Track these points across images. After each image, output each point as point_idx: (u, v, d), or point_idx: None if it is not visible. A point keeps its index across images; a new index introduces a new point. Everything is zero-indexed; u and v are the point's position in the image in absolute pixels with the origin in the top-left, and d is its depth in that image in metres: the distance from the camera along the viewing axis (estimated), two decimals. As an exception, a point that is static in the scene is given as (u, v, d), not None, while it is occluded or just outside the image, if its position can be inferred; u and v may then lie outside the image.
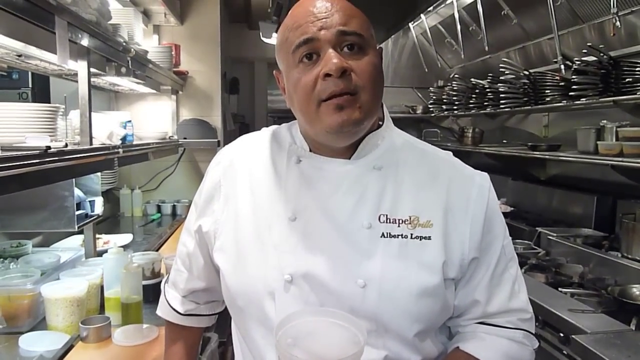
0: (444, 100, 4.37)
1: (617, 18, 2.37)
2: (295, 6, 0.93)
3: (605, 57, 2.44)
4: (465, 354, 0.97)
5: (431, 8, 3.89)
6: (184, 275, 1.15)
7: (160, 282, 1.27)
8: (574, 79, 2.59)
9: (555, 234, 2.73)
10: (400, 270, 0.90)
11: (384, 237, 0.91)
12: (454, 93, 4.15)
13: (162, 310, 1.21)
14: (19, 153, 1.26)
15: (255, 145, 1.06)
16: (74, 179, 1.96)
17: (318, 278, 0.91)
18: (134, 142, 2.54)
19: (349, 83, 0.86)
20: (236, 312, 1.02)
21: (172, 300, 1.18)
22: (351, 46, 0.88)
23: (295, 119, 1.00)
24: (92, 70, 1.86)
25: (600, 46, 2.48)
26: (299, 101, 0.91)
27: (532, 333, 1.01)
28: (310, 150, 0.99)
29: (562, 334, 1.81)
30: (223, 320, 1.17)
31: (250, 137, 1.11)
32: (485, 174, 1.01)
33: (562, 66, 2.78)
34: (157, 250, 2.74)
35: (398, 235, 0.92)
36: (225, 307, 1.10)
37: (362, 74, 0.87)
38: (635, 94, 2.27)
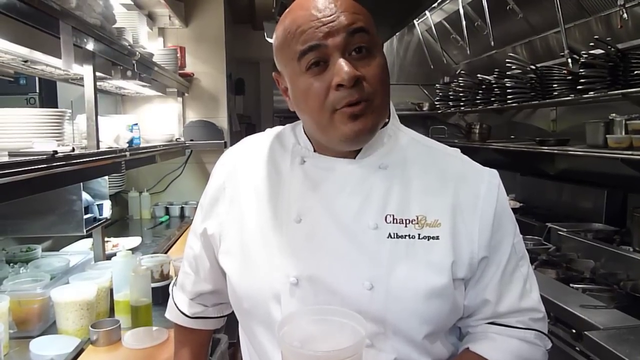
0: (451, 97, 4.35)
1: (624, 10, 2.34)
2: (295, 6, 0.90)
3: (612, 49, 2.41)
4: (475, 354, 0.95)
5: (436, 4, 3.88)
6: (191, 277, 1.15)
7: (169, 284, 1.27)
8: (581, 72, 2.56)
9: (565, 229, 2.71)
10: (408, 271, 0.89)
11: (391, 237, 0.90)
12: (461, 89, 4.14)
13: (170, 314, 1.21)
14: (26, 158, 1.26)
15: (258, 147, 1.05)
16: (81, 183, 1.96)
17: (324, 281, 0.90)
18: (141, 145, 2.55)
19: (362, 91, 0.84)
20: (242, 315, 1.02)
21: (180, 303, 1.18)
22: (359, 49, 0.86)
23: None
24: (98, 74, 1.86)
25: (608, 39, 2.46)
26: (310, 110, 0.89)
27: (544, 333, 0.99)
28: (315, 151, 0.98)
29: (574, 331, 1.79)
30: (233, 321, 1.16)
31: (253, 138, 1.10)
32: (495, 170, 0.99)
33: (569, 60, 2.75)
34: (165, 253, 2.75)
35: (405, 235, 0.90)
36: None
37: (372, 79, 0.86)
38: (644, 86, 2.24)
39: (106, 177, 2.38)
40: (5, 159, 1.25)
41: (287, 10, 0.91)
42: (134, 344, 1.61)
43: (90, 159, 1.68)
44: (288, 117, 1.03)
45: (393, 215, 0.91)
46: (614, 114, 2.40)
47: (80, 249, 2.46)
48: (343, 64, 0.83)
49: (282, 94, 0.97)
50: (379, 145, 0.96)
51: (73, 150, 1.53)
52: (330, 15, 0.85)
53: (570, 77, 2.73)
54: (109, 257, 2.17)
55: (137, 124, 2.48)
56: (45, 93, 3.03)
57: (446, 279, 0.90)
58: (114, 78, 2.14)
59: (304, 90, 0.88)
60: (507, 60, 3.29)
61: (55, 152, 1.37)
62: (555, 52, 3.15)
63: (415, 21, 4.54)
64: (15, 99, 2.94)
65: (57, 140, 1.61)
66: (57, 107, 2.77)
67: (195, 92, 4.04)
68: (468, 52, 4.01)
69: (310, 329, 0.82)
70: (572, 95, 2.70)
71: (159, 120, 3.90)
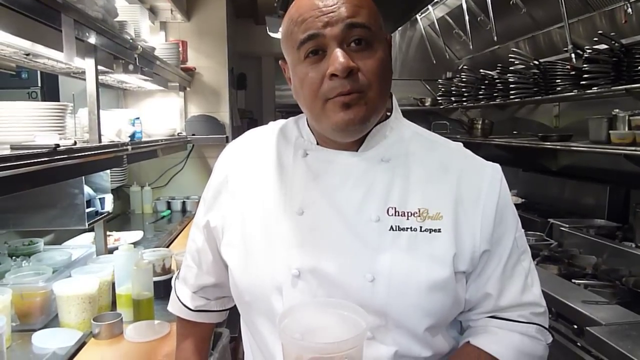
0: (453, 92, 4.34)
1: (628, 5, 2.34)
2: None
3: (616, 44, 2.40)
4: (476, 348, 0.95)
5: (439, -1, 3.87)
6: (193, 270, 1.15)
7: (171, 278, 1.27)
8: (585, 67, 2.56)
9: (567, 225, 2.71)
10: (410, 263, 0.89)
11: (393, 230, 0.90)
12: (463, 84, 4.13)
13: (172, 307, 1.21)
14: (28, 151, 1.26)
15: (262, 140, 1.06)
16: (83, 177, 1.96)
17: (326, 273, 0.90)
18: (143, 139, 2.55)
19: (356, 83, 0.85)
20: (244, 308, 1.02)
21: (183, 296, 1.18)
22: (358, 41, 0.86)
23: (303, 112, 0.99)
24: (100, 67, 1.86)
25: (612, 34, 2.45)
26: (305, 98, 0.90)
27: (545, 327, 0.99)
28: (318, 144, 0.98)
29: (576, 326, 1.79)
30: (234, 315, 1.17)
31: (257, 131, 1.10)
32: (497, 165, 0.99)
33: (573, 55, 2.75)
34: (167, 247, 2.75)
35: (407, 228, 0.90)
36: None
37: (369, 72, 0.86)
38: (648, 81, 2.24)
39: (108, 171, 2.38)
40: (7, 152, 1.25)
41: None
42: (136, 338, 1.61)
43: (92, 152, 1.67)
44: (290, 112, 1.03)
45: (395, 208, 0.91)
46: (617, 110, 2.39)
47: (82, 243, 2.47)
48: (338, 54, 0.84)
49: (288, 83, 0.98)
50: (381, 138, 0.96)
51: (75, 143, 1.53)
52: (332, 6, 0.85)
53: (573, 73, 2.72)
54: (110, 251, 2.17)
55: (138, 118, 2.48)
56: (47, 87, 3.03)
57: (448, 272, 0.90)
58: (116, 72, 2.13)
59: (301, 79, 0.89)
60: (510, 55, 3.28)
61: (57, 145, 1.37)
62: (559, 48, 3.14)
63: (417, 16, 4.53)
64: (17, 93, 2.95)
65: (59, 134, 1.61)
66: (58, 101, 2.77)
67: (197, 86, 4.04)
68: (471, 47, 3.99)
69: (311, 321, 0.82)
70: (575, 91, 2.69)
71: (160, 114, 3.90)
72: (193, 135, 3.84)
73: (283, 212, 0.95)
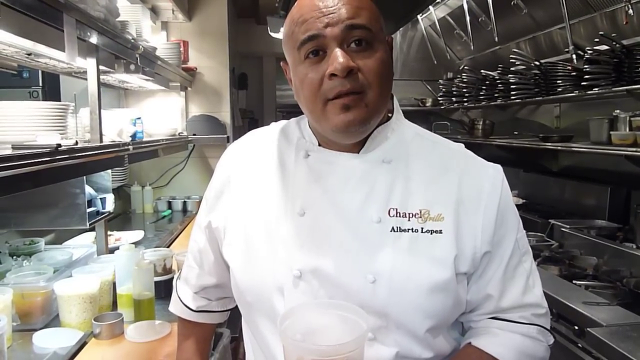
0: (454, 93, 4.34)
1: (629, 6, 2.33)
2: None
3: (617, 45, 2.40)
4: (477, 349, 0.95)
5: (440, -1, 3.87)
6: (195, 271, 1.15)
7: (172, 278, 1.27)
8: (586, 68, 2.56)
9: (568, 226, 2.70)
10: (411, 265, 0.89)
11: (394, 231, 0.90)
12: (464, 85, 4.12)
13: (174, 307, 1.21)
14: (30, 151, 1.26)
15: (264, 140, 1.06)
16: (84, 177, 1.96)
17: (327, 273, 0.90)
18: (144, 139, 2.55)
19: (356, 83, 0.85)
20: (245, 308, 1.02)
21: (184, 297, 1.18)
22: (359, 42, 0.86)
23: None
24: (101, 67, 1.86)
25: (613, 35, 2.45)
26: (305, 98, 0.90)
27: (546, 328, 0.99)
28: (319, 145, 0.98)
29: (577, 327, 1.79)
30: (235, 316, 1.17)
31: (259, 132, 1.10)
32: (498, 165, 0.99)
33: (574, 56, 2.74)
34: (168, 247, 2.75)
35: (408, 229, 0.90)
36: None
37: (369, 72, 0.85)
38: (649, 82, 2.23)
39: (109, 171, 2.39)
40: (9, 151, 1.25)
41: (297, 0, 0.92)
42: (137, 338, 1.61)
43: (94, 152, 1.68)
44: (291, 112, 1.03)
45: (396, 209, 0.91)
46: (618, 111, 2.39)
47: (83, 243, 2.47)
48: (338, 54, 0.84)
49: (289, 83, 0.98)
50: (383, 139, 0.96)
51: (76, 143, 1.53)
52: (332, 7, 0.85)
53: (574, 73, 2.72)
54: (111, 251, 2.18)
55: (140, 117, 2.48)
56: (48, 86, 3.04)
57: (449, 273, 0.90)
58: (117, 72, 2.14)
59: (301, 79, 0.89)
60: (511, 56, 3.28)
61: (59, 145, 1.37)
62: (560, 48, 3.14)
63: (419, 16, 4.52)
64: (18, 92, 2.95)
65: (61, 134, 1.61)
66: (60, 101, 2.77)
67: (198, 86, 4.04)
68: (472, 47, 3.99)
69: (312, 322, 0.82)
70: (576, 92, 2.69)
71: (162, 114, 3.90)
72: (194, 135, 3.84)
73: (284, 213, 0.95)
